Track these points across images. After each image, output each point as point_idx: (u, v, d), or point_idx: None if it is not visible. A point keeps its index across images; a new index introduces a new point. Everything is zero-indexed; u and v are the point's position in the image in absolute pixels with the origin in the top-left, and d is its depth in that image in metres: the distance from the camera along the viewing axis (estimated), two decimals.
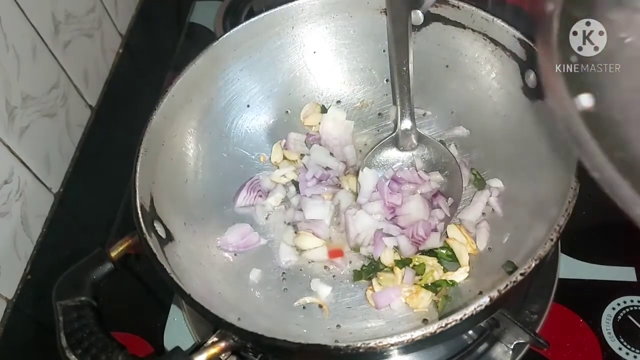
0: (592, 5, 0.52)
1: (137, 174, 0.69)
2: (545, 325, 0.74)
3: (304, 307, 0.72)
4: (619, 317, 0.74)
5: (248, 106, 0.86)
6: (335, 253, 0.76)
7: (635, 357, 0.71)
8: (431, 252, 0.73)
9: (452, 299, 0.68)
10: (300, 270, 0.76)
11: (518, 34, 0.73)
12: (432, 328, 0.55)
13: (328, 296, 0.72)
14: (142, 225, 0.65)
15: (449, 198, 0.76)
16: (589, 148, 0.43)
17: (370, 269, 0.74)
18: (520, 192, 0.74)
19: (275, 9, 0.83)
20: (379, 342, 0.54)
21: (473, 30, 0.78)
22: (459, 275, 0.71)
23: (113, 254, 0.68)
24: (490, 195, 0.76)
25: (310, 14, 0.84)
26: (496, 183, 0.77)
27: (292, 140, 0.86)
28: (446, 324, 0.54)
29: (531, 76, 0.73)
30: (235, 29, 0.82)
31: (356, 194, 0.79)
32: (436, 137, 0.83)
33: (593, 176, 0.44)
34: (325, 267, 0.76)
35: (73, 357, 0.58)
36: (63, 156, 0.92)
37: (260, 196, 0.82)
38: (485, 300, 0.55)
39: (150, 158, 0.72)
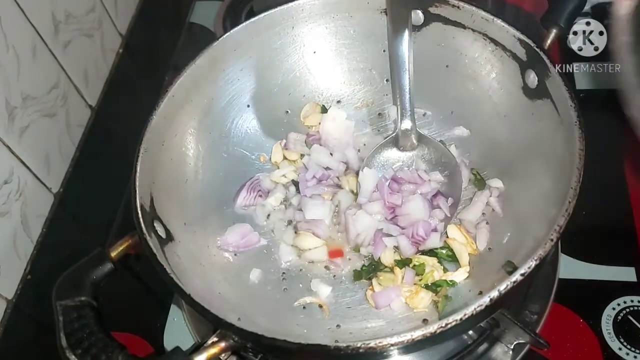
0: None
1: (137, 174, 0.69)
2: (545, 325, 0.74)
3: (304, 307, 0.72)
4: (619, 317, 0.74)
5: (248, 106, 0.86)
6: (335, 253, 0.76)
7: (635, 357, 0.71)
8: (431, 252, 0.73)
9: (452, 299, 0.68)
10: (300, 270, 0.76)
11: (518, 34, 0.73)
12: (432, 328, 0.55)
13: (328, 296, 0.72)
14: (142, 225, 0.65)
15: (449, 198, 0.76)
16: None
17: (370, 269, 0.74)
18: (520, 192, 0.74)
19: (275, 9, 0.83)
20: (379, 342, 0.54)
21: (473, 30, 0.78)
22: (459, 275, 0.71)
23: (113, 254, 0.68)
24: (490, 195, 0.76)
25: (310, 14, 0.84)
26: (496, 183, 0.77)
27: (292, 140, 0.86)
28: (446, 324, 0.54)
29: (531, 76, 0.73)
30: (235, 29, 0.82)
31: (356, 194, 0.79)
32: (436, 137, 0.83)
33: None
34: (325, 267, 0.76)
35: (73, 357, 0.58)
36: (63, 156, 0.92)
37: (260, 196, 0.82)
38: (485, 300, 0.55)
39: (150, 158, 0.72)
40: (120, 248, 0.68)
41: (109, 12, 1.06)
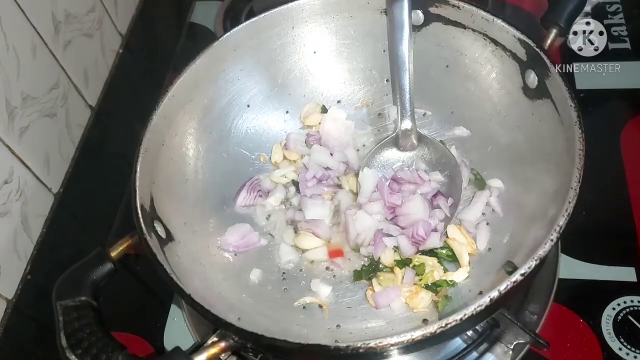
0: None
1: (137, 174, 0.69)
2: (545, 325, 0.74)
3: (304, 307, 0.72)
4: (619, 317, 0.74)
5: (248, 106, 0.86)
6: (335, 253, 0.76)
7: (635, 357, 0.71)
8: (431, 252, 0.73)
9: (452, 299, 0.68)
10: (301, 270, 0.76)
11: (518, 34, 0.73)
12: (432, 328, 0.55)
13: (328, 296, 0.72)
14: (142, 225, 0.65)
15: (449, 198, 0.76)
16: None
17: (370, 269, 0.74)
18: (520, 192, 0.74)
19: (275, 9, 0.83)
20: (379, 342, 0.54)
21: (473, 31, 0.78)
22: (459, 275, 0.71)
23: (113, 254, 0.68)
24: (490, 195, 0.76)
25: (310, 14, 0.84)
26: (496, 183, 0.77)
27: (292, 140, 0.86)
28: (446, 324, 0.54)
29: (531, 76, 0.73)
30: (235, 29, 0.82)
31: (356, 194, 0.79)
32: (436, 137, 0.83)
33: None
34: (326, 267, 0.76)
35: (73, 357, 0.58)
36: (63, 156, 0.92)
37: (260, 196, 0.82)
38: (485, 300, 0.55)
39: (150, 158, 0.72)
40: (120, 248, 0.68)
41: (109, 12, 1.06)
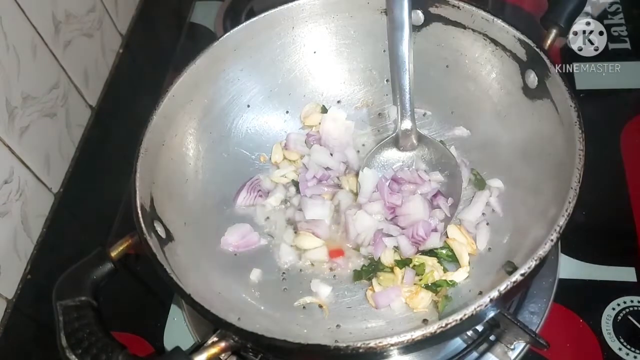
0: None
1: (137, 174, 0.69)
2: (545, 325, 0.74)
3: (304, 307, 0.72)
4: (619, 318, 0.74)
5: (248, 106, 0.86)
6: (335, 253, 0.76)
7: (635, 357, 0.71)
8: (431, 252, 0.73)
9: (452, 299, 0.68)
10: (300, 270, 0.76)
11: (518, 34, 0.73)
12: (432, 328, 0.55)
13: (328, 296, 0.72)
14: (142, 225, 0.65)
15: (449, 198, 0.76)
16: None
17: (370, 269, 0.74)
18: (520, 192, 0.74)
19: (275, 9, 0.83)
20: (379, 342, 0.54)
21: (473, 31, 0.78)
22: (459, 275, 0.71)
23: (113, 254, 0.68)
24: (490, 195, 0.76)
25: (310, 14, 0.84)
26: (496, 183, 0.77)
27: (292, 140, 0.86)
28: (446, 324, 0.54)
29: (531, 76, 0.73)
30: (235, 29, 0.82)
31: (356, 194, 0.79)
32: (436, 137, 0.83)
33: None
34: (326, 267, 0.76)
35: (73, 357, 0.58)
36: (63, 156, 0.92)
37: (260, 196, 0.82)
38: (485, 300, 0.55)
39: (150, 158, 0.72)
40: (120, 248, 0.68)
41: (109, 12, 1.06)
